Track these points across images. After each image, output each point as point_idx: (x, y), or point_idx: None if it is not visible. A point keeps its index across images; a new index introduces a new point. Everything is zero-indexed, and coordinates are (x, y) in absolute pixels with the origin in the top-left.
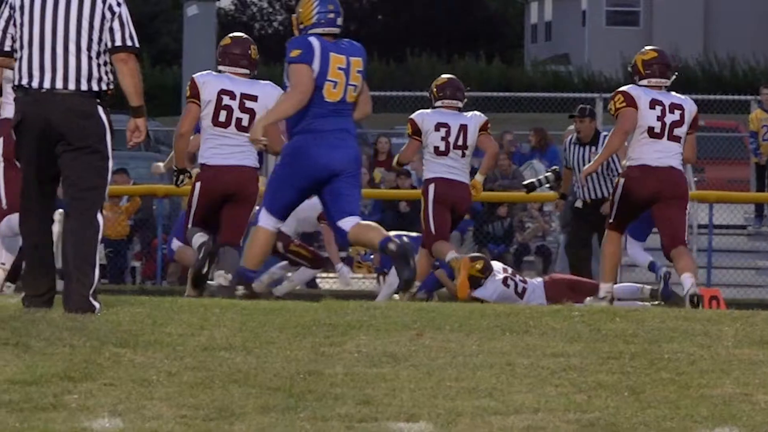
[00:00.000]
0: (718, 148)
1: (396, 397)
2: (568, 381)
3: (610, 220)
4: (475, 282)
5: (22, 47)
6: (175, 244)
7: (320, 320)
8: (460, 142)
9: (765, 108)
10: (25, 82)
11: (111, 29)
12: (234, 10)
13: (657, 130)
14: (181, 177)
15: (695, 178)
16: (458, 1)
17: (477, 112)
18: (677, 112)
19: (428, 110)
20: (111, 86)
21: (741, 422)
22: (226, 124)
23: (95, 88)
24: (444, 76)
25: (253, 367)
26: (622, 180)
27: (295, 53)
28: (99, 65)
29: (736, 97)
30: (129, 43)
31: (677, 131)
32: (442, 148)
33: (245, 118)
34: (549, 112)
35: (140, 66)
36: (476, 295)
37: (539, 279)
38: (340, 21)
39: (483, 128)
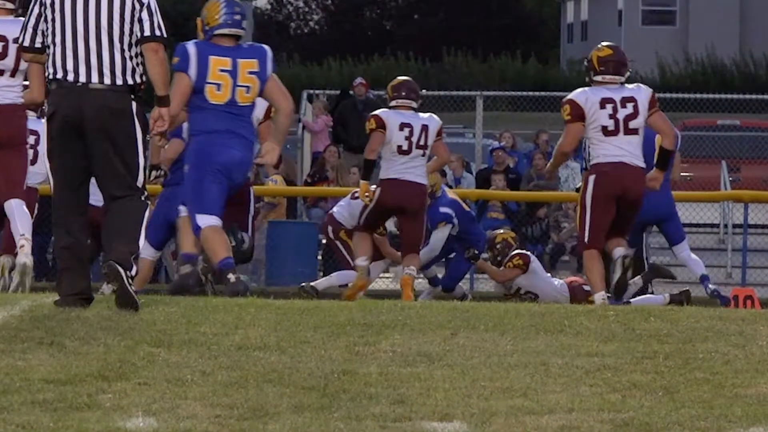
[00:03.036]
0: (754, 147)
1: (430, 397)
2: (602, 381)
3: (585, 240)
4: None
5: (54, 43)
6: (145, 251)
7: (355, 320)
8: (422, 142)
9: None
10: (60, 75)
11: (140, 19)
12: (270, 10)
13: (611, 128)
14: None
15: (730, 178)
16: (494, 1)
17: (433, 115)
18: (630, 105)
19: (389, 110)
20: (143, 78)
21: None
22: None
23: (129, 81)
24: (400, 78)
25: (288, 367)
26: (591, 177)
27: (174, 61)
28: (131, 57)
29: None
30: (158, 33)
31: (632, 124)
32: (405, 147)
33: None
34: None
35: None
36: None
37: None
38: (245, 24)
39: (438, 133)
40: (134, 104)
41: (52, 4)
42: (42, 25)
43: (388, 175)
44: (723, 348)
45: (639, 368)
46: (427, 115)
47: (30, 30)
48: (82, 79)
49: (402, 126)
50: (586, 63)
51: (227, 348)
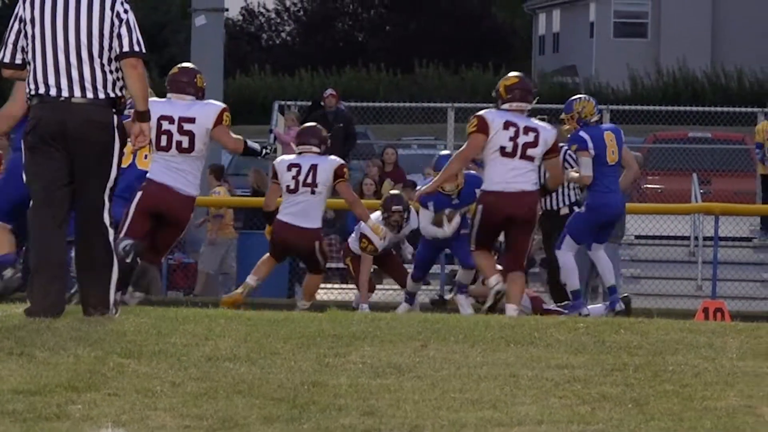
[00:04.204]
0: (725, 160)
1: (400, 408)
2: (572, 393)
3: (473, 247)
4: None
5: (35, 58)
6: None
7: (325, 331)
8: (309, 180)
9: None
10: (42, 91)
11: (119, 35)
12: (242, 21)
13: (509, 149)
14: None
15: (701, 190)
16: (466, 12)
17: (335, 159)
18: (531, 134)
19: (291, 156)
20: (123, 92)
21: None
22: (167, 148)
23: (111, 95)
24: (306, 124)
25: (257, 378)
26: (480, 206)
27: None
28: (111, 71)
29: (743, 109)
30: (137, 48)
31: (530, 152)
32: (293, 186)
33: (185, 140)
34: (556, 124)
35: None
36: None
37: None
38: None
39: (339, 175)
40: (115, 117)
41: (32, 20)
42: (22, 41)
43: (280, 216)
44: (693, 360)
45: (609, 380)
46: (331, 157)
47: (10, 46)
48: (65, 93)
49: (290, 167)
50: (494, 93)
51: (197, 359)
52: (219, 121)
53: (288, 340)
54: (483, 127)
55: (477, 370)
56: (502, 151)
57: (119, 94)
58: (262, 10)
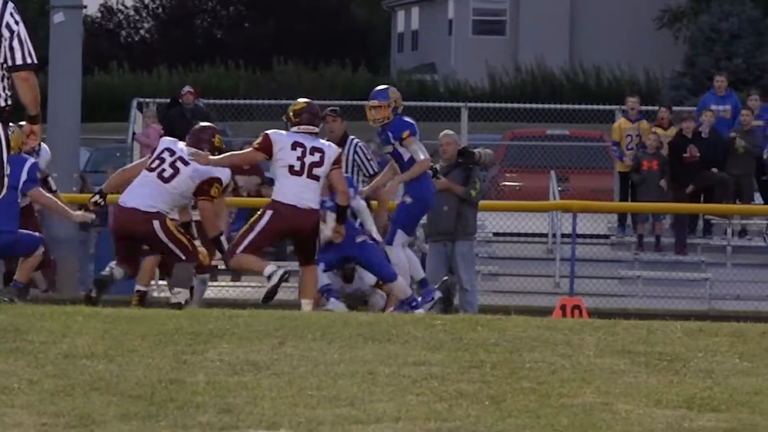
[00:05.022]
0: (583, 157)
1: (257, 406)
2: (429, 390)
3: (239, 251)
4: None
5: None
6: None
7: (182, 328)
8: None
9: (630, 117)
10: None
11: (11, 48)
12: (101, 18)
13: (297, 168)
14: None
15: (559, 188)
16: (325, 10)
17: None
18: (317, 155)
19: None
20: (9, 102)
21: (601, 431)
22: (153, 169)
23: None
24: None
25: (115, 375)
26: (269, 211)
27: None
28: None
29: (601, 106)
30: (29, 60)
31: (316, 171)
32: None
33: (168, 171)
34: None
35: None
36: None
37: None
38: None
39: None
40: (1, 125)
41: None
42: None
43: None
44: (550, 357)
45: (466, 377)
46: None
47: None
48: None
49: None
50: (284, 117)
51: (54, 356)
52: (206, 191)
53: (146, 337)
54: (265, 146)
55: (334, 368)
56: (291, 169)
57: (2, 105)
58: (121, 7)
